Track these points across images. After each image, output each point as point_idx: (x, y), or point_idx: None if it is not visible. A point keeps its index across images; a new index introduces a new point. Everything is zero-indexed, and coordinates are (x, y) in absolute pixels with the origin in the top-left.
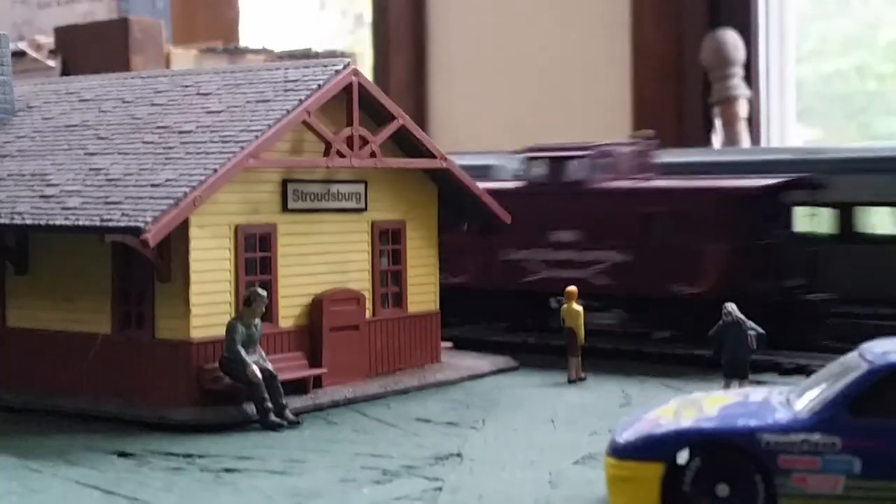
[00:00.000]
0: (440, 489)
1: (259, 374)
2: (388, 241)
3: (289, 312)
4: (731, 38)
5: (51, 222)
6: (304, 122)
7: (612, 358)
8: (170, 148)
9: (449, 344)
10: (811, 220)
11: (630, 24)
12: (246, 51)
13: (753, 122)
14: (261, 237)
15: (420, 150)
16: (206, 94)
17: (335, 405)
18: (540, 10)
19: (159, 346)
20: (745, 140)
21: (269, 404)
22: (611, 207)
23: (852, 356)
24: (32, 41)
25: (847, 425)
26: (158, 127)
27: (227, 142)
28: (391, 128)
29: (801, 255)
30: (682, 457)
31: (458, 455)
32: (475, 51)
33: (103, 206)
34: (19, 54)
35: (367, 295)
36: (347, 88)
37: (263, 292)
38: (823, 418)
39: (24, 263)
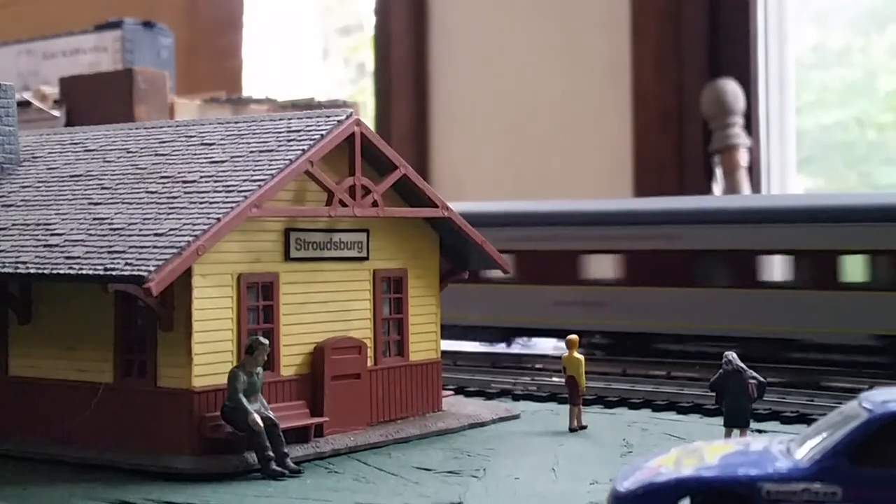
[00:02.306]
0: None
1: (261, 423)
2: (389, 290)
3: (290, 361)
4: (732, 88)
5: (54, 271)
6: (307, 172)
7: (614, 406)
8: (173, 197)
9: (450, 392)
10: None
11: (631, 73)
12: (249, 100)
13: (754, 170)
14: (263, 286)
15: (421, 199)
16: (209, 144)
17: (336, 454)
18: (542, 60)
19: (161, 394)
20: (745, 189)
21: (271, 453)
22: None
23: (852, 405)
24: (37, 91)
25: (847, 474)
26: (162, 177)
27: (230, 191)
28: (393, 177)
29: None
30: None
31: None
32: (476, 99)
33: (107, 255)
34: (24, 104)
35: (369, 343)
36: (350, 138)
37: (265, 341)
38: (824, 467)
39: (28, 312)
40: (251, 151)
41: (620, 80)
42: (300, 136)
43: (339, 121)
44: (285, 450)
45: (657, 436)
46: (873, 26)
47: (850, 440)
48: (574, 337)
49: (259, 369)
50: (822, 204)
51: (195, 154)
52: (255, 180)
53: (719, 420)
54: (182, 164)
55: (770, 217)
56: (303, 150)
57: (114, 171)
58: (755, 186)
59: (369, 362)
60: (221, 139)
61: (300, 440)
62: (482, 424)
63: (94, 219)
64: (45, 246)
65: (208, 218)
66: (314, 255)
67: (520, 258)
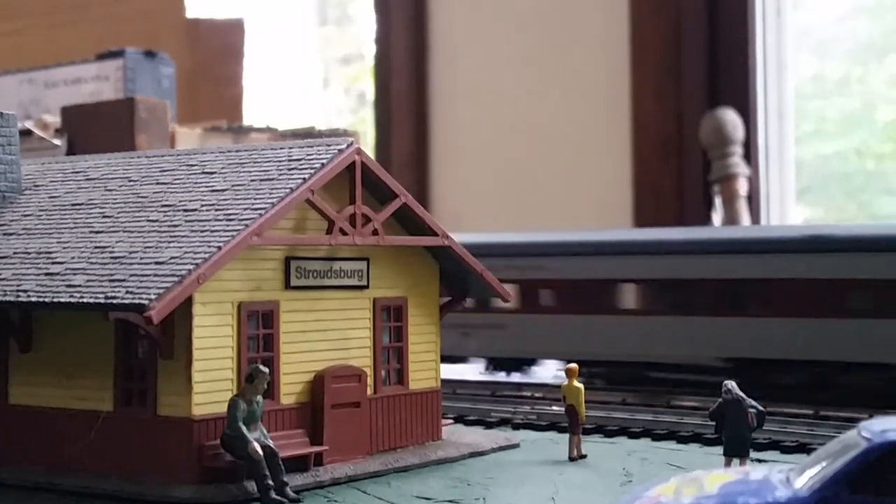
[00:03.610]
0: None
1: (260, 451)
2: (389, 318)
3: (290, 389)
4: (731, 117)
5: (55, 300)
6: (308, 201)
7: (614, 435)
8: (175, 226)
9: (450, 421)
10: None
11: (630, 102)
12: (250, 129)
13: (753, 200)
14: (263, 314)
15: (421, 228)
16: (210, 173)
17: (336, 483)
18: (541, 89)
19: (161, 423)
20: (744, 218)
21: (270, 481)
22: None
23: (851, 434)
24: (39, 120)
25: (846, 503)
26: (163, 205)
27: (231, 220)
28: (393, 206)
29: None
30: None
31: None
32: (476, 128)
33: (108, 283)
34: (26, 133)
35: (369, 372)
36: (350, 167)
37: (265, 369)
38: (823, 496)
39: (28, 341)
40: (252, 180)
41: (620, 109)
42: (301, 164)
43: (339, 149)
44: (285, 478)
45: (657, 465)
46: (872, 56)
47: (849, 469)
48: (574, 366)
49: (259, 398)
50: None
51: (196, 182)
52: (255, 209)
53: (719, 449)
54: (183, 192)
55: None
56: (304, 178)
57: (115, 199)
58: (754, 216)
59: (369, 391)
60: (222, 168)
61: (300, 469)
62: (482, 453)
63: (96, 247)
64: (46, 274)
65: (209, 246)
66: (314, 283)
67: None
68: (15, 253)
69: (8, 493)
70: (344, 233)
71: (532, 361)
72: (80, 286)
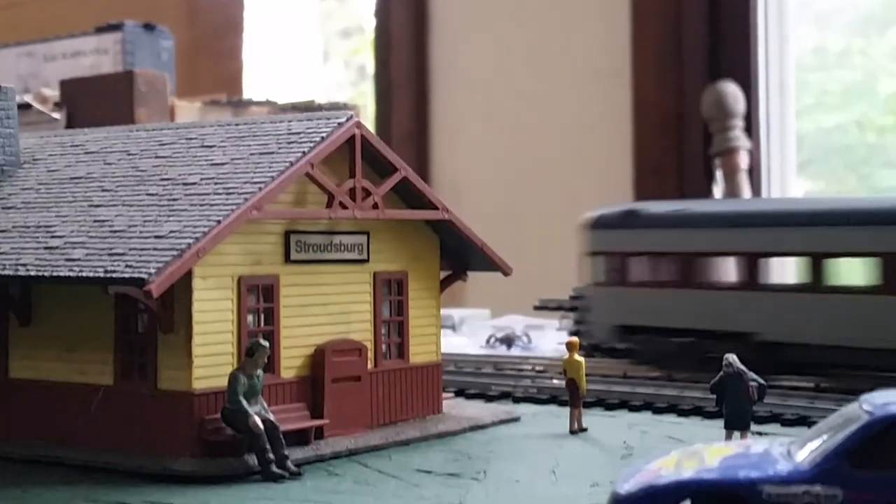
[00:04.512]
0: None
1: (261, 425)
2: (390, 292)
3: (291, 363)
4: (732, 90)
5: (55, 273)
6: (308, 174)
7: (614, 408)
8: (174, 200)
9: (450, 395)
10: None
11: (631, 76)
12: (250, 103)
13: (754, 173)
14: (263, 288)
15: (422, 202)
16: (210, 147)
17: (336, 456)
18: (542, 63)
19: (161, 397)
20: (746, 191)
21: (271, 455)
22: None
23: (853, 407)
24: (38, 94)
25: (848, 477)
26: (163, 179)
27: (230, 193)
28: (393, 179)
29: None
30: None
31: None
32: (476, 102)
33: (107, 257)
34: (25, 107)
35: (369, 346)
36: (350, 141)
37: (266, 343)
38: (824, 470)
39: (28, 315)
40: (251, 154)
41: (620, 83)
42: (300, 138)
43: (339, 123)
44: (286, 452)
45: (658, 438)
46: (874, 28)
47: (850, 442)
48: (575, 339)
49: (259, 371)
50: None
51: (195, 156)
52: (255, 183)
53: (720, 422)
54: (182, 166)
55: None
56: (303, 152)
57: (114, 173)
58: (755, 189)
59: (370, 365)
60: (222, 141)
61: (300, 443)
62: (482, 427)
63: (95, 221)
64: (45, 248)
65: (209, 220)
66: (314, 257)
67: None
68: (14, 227)
69: (8, 467)
70: (344, 206)
71: None
72: (79, 260)
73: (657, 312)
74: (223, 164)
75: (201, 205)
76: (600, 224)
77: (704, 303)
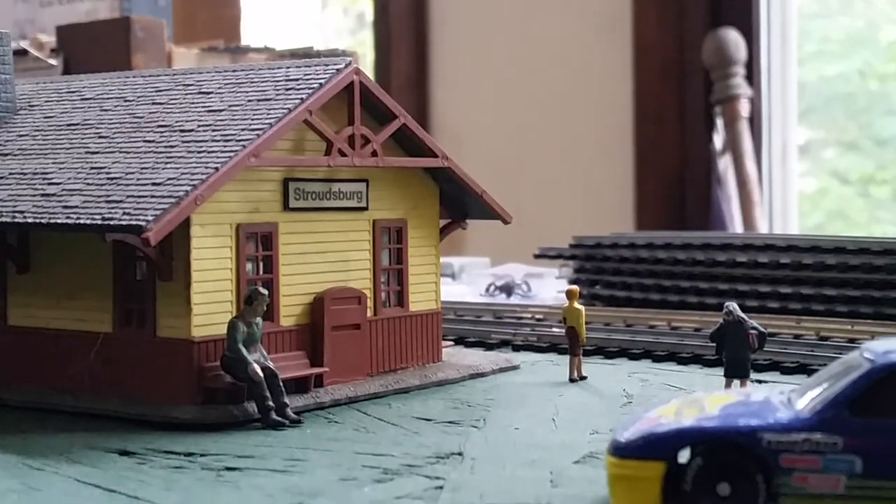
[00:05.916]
0: (441, 488)
1: (260, 373)
2: (389, 240)
3: (290, 311)
4: (733, 38)
5: (52, 221)
6: (306, 121)
7: (614, 356)
8: (171, 147)
9: (450, 343)
10: None
11: (631, 23)
12: (248, 49)
13: (755, 121)
14: (262, 236)
15: (421, 149)
16: (207, 93)
17: (336, 404)
18: (541, 10)
19: (160, 344)
20: (746, 140)
21: (271, 403)
22: None
23: (854, 355)
24: (34, 40)
25: (848, 425)
26: (160, 126)
27: (228, 140)
28: (392, 127)
29: None
30: (684, 456)
31: (460, 454)
32: (476, 49)
33: (105, 204)
34: (21, 53)
35: (369, 294)
36: (349, 87)
37: (265, 291)
38: (825, 418)
39: (26, 262)
40: (249, 100)
41: (621, 30)
42: (299, 84)
43: (337, 69)
44: (285, 400)
45: (657, 386)
46: None
47: (851, 391)
48: (574, 287)
49: (258, 319)
50: None
51: (193, 103)
52: (253, 129)
53: (720, 371)
54: (180, 112)
55: None
56: (301, 99)
57: (111, 119)
58: (756, 137)
59: (369, 313)
60: (219, 88)
61: (300, 390)
62: (482, 375)
63: (92, 168)
64: (42, 195)
65: (206, 167)
66: (313, 205)
67: None
68: (11, 173)
69: (7, 415)
70: (343, 154)
71: None
72: (76, 207)
73: None
74: (220, 110)
75: (199, 152)
76: None
77: None
